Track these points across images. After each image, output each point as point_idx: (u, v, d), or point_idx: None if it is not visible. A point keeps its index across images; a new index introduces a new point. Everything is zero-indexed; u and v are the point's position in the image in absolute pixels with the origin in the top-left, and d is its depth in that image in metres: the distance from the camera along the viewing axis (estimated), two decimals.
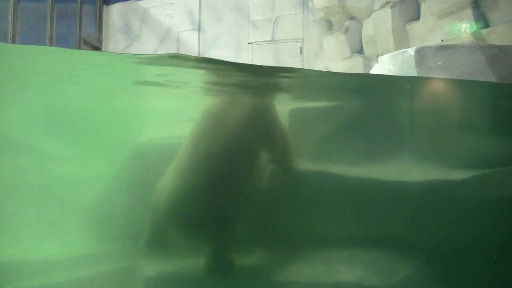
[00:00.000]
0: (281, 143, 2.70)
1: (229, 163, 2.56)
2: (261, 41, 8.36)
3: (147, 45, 9.13)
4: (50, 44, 8.10)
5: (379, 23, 6.25)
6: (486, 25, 4.86)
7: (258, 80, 2.82)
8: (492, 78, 3.19)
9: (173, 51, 8.92)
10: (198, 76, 2.77)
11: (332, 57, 7.18)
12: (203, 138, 2.59)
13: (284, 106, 2.83)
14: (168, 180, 2.52)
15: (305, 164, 2.72)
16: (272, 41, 8.27)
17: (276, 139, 2.69)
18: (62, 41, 8.66)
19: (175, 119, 2.70)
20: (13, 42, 7.53)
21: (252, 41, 8.44)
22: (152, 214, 2.53)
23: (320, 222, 2.66)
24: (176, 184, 2.51)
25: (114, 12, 9.62)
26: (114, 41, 9.52)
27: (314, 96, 3.10)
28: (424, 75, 3.26)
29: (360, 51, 6.97)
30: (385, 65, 3.67)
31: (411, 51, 3.44)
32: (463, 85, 3.08)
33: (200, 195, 2.53)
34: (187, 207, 2.52)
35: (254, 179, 2.64)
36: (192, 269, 2.51)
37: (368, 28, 6.69)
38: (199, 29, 8.89)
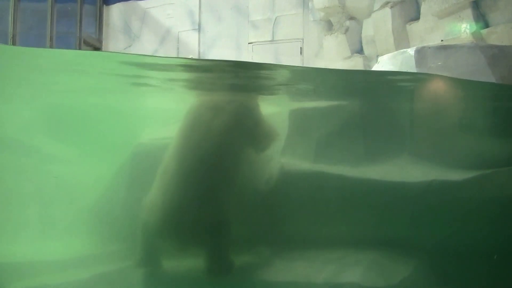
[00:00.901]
0: (268, 143, 2.66)
1: (217, 165, 2.53)
2: (261, 41, 8.35)
3: (147, 45, 9.13)
4: (50, 45, 8.10)
5: (379, 23, 6.25)
6: (486, 25, 4.86)
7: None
8: (492, 78, 3.19)
9: (173, 51, 8.92)
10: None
11: (332, 57, 7.19)
12: (187, 143, 2.54)
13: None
14: (157, 192, 2.49)
15: (295, 163, 2.71)
16: (272, 41, 8.27)
17: (261, 138, 2.64)
18: (62, 41, 8.66)
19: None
20: (13, 42, 7.53)
21: (252, 41, 8.43)
22: (147, 229, 2.50)
23: (317, 223, 2.65)
24: (166, 195, 2.48)
25: (114, 12, 9.62)
26: (114, 41, 9.53)
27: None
28: None
29: (360, 51, 6.97)
30: (385, 65, 3.67)
31: (411, 51, 3.44)
32: (463, 85, 3.08)
33: (191, 201, 2.50)
34: (182, 216, 2.49)
35: (244, 181, 2.62)
36: (191, 274, 2.51)
37: (368, 28, 6.69)
38: (199, 29, 8.89)
